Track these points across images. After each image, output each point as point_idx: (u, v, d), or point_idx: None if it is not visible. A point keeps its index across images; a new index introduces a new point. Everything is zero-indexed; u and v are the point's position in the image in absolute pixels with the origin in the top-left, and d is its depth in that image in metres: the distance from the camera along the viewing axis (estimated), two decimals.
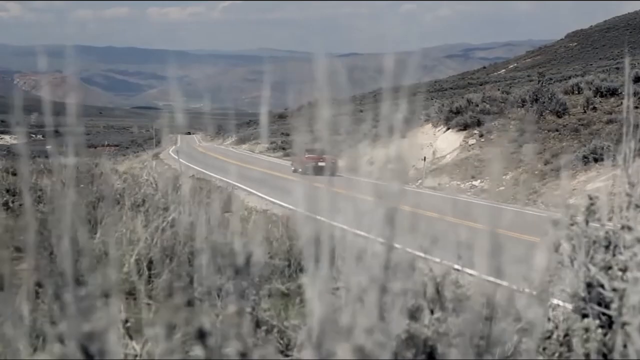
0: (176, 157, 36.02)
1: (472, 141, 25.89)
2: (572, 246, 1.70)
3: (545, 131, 24.22)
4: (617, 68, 63.27)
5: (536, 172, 20.96)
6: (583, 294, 1.52)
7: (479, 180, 22.57)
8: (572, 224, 1.71)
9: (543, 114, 25.23)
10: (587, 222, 1.71)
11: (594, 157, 20.09)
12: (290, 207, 13.53)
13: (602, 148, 20.39)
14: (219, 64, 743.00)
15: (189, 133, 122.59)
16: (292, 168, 29.56)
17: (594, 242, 1.66)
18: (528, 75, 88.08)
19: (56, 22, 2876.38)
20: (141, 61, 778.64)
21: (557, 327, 1.59)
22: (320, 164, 24.80)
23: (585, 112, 25.31)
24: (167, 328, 1.37)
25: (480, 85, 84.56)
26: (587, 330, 1.48)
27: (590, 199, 1.76)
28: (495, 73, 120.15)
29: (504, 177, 21.92)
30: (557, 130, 24.13)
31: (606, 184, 18.50)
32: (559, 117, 25.14)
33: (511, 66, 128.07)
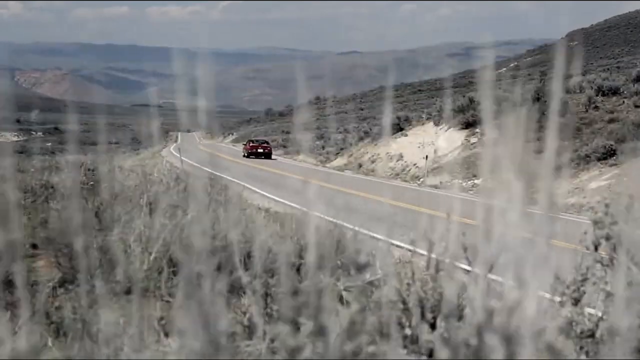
0: (178, 154, 36.14)
1: (473, 140, 25.83)
2: (612, 245, 1.66)
3: (547, 130, 24.12)
4: (618, 67, 63.24)
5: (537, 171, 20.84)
6: (624, 293, 1.47)
7: (481, 179, 22.48)
8: (612, 224, 1.66)
9: (545, 112, 25.10)
10: (627, 222, 1.66)
11: (596, 156, 20.02)
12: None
13: (604, 147, 20.32)
14: (219, 63, 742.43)
15: (189, 131, 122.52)
16: (242, 154, 39.51)
17: (634, 241, 1.61)
18: (529, 74, 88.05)
19: (56, 20, 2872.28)
20: (141, 59, 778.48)
21: (597, 326, 1.54)
22: (259, 150, 37.94)
23: (587, 111, 25.20)
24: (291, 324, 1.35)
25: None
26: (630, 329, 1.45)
27: (631, 198, 1.72)
28: (496, 72, 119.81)
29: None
30: (558, 129, 24.05)
31: (609, 182, 18.46)
32: (561, 116, 24.98)
33: (512, 65, 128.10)
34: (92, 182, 6.88)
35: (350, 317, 1.30)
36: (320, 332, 1.31)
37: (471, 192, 21.41)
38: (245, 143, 43.67)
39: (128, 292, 2.69)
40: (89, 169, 8.07)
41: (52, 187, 6.20)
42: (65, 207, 5.21)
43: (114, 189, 5.43)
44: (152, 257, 3.42)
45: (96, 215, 4.21)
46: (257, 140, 42.20)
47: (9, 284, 3.17)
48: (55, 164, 9.15)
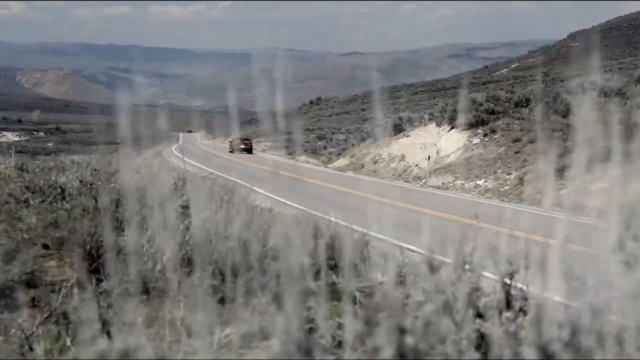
0: (180, 155, 36.23)
1: (476, 140, 25.77)
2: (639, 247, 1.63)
3: (550, 131, 24.09)
4: (620, 68, 63.19)
5: (541, 172, 20.83)
6: None
7: (483, 180, 22.45)
8: None
9: (547, 113, 25.08)
10: None
11: (599, 157, 19.98)
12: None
13: (607, 148, 20.30)
14: (220, 63, 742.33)
15: (190, 131, 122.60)
16: (229, 150, 47.32)
17: None
18: (530, 75, 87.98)
19: (58, 19, 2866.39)
20: (143, 59, 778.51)
21: None
22: (241, 146, 46.23)
23: (589, 112, 25.10)
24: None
25: (483, 84, 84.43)
26: None
27: None
28: (497, 72, 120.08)
29: (507, 176, 21.82)
30: (561, 130, 23.99)
31: (612, 184, 18.36)
32: (563, 117, 24.99)
33: (513, 66, 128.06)
34: (99, 182, 6.88)
35: (426, 318, 1.29)
36: (398, 331, 1.30)
37: (473, 192, 21.38)
38: (230, 140, 53.89)
39: (142, 292, 2.69)
40: (94, 169, 8.04)
41: (61, 187, 6.18)
42: (75, 207, 5.22)
43: (123, 189, 5.44)
44: (165, 258, 3.42)
45: (107, 216, 4.19)
46: (239, 138, 51.97)
47: (24, 283, 3.16)
48: (60, 164, 9.11)
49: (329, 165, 35.34)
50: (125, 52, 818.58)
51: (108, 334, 1.99)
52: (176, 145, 64.04)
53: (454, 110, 28.06)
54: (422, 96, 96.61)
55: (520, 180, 20.99)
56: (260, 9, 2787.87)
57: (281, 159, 41.76)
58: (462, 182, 22.99)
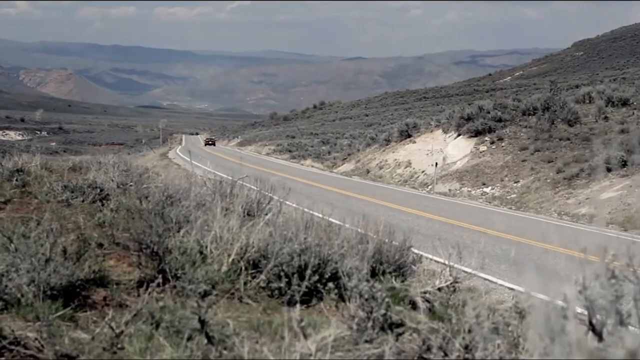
0: (187, 157, 36.11)
1: (483, 148, 25.55)
2: None
3: (557, 140, 23.88)
4: (624, 78, 63.03)
5: (548, 181, 20.63)
6: None
7: (490, 187, 22.24)
8: None
9: (554, 122, 24.88)
10: None
11: (607, 167, 19.77)
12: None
13: (615, 158, 20.06)
14: (224, 65, 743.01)
15: (192, 133, 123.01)
16: (203, 144, 72.48)
17: None
18: (534, 84, 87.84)
19: (63, 19, 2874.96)
20: (147, 60, 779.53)
21: None
22: (209, 142, 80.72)
23: (597, 121, 24.94)
24: None
25: (487, 92, 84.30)
26: None
27: None
28: (501, 80, 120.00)
29: (515, 184, 21.60)
30: (568, 139, 23.80)
31: (620, 193, 18.18)
32: (571, 125, 24.79)
33: (517, 74, 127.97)
34: (130, 184, 6.78)
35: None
36: None
37: (480, 200, 21.17)
38: (205, 139, 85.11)
39: (206, 293, 2.56)
40: (123, 170, 7.92)
41: (100, 188, 6.08)
42: (119, 208, 5.13)
43: (168, 190, 5.38)
44: (230, 259, 3.40)
45: (159, 216, 4.06)
46: (208, 138, 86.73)
47: (92, 282, 3.04)
48: (92, 164, 9.01)
49: (335, 170, 35.10)
50: (130, 53, 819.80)
51: (206, 334, 1.98)
52: (180, 147, 63.98)
53: (461, 117, 27.85)
54: (427, 102, 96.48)
55: (528, 189, 20.76)
56: (266, 10, 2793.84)
57: (287, 163, 41.59)
58: (469, 189, 22.78)
